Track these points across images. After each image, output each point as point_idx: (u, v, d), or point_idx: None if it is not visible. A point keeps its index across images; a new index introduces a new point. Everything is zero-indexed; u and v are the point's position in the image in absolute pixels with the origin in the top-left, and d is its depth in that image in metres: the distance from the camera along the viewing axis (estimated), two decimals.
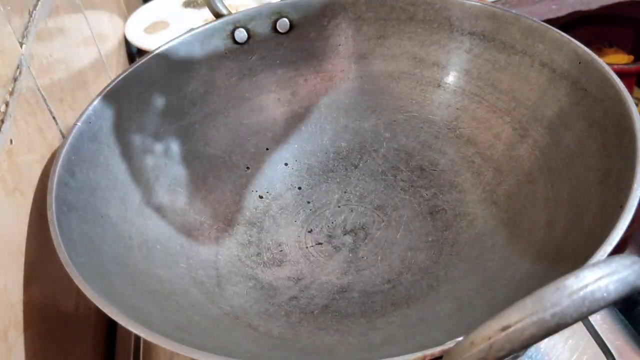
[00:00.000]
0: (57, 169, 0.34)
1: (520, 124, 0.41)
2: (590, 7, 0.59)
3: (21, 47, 0.37)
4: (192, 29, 0.46)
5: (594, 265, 0.17)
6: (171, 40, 0.45)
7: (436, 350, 0.23)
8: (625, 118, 0.32)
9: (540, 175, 0.38)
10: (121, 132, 0.41)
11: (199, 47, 0.46)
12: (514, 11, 0.42)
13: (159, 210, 0.41)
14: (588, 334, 0.39)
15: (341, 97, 0.50)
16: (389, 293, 0.39)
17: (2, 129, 0.32)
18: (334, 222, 0.44)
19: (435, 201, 0.44)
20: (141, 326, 0.26)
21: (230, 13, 0.47)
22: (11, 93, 0.34)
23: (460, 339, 0.20)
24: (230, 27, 0.47)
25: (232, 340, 0.34)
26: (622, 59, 0.64)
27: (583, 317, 0.17)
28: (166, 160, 0.43)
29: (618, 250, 0.25)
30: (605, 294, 0.17)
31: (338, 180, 0.48)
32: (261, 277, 0.41)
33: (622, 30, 0.64)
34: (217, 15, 0.47)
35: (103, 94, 0.40)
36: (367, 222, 0.44)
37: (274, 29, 0.48)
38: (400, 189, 0.46)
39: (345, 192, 0.47)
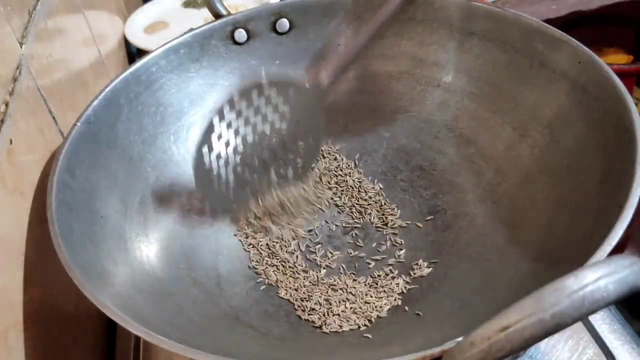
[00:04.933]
0: (57, 169, 0.34)
1: (520, 124, 0.41)
2: (590, 7, 0.59)
3: (21, 47, 0.37)
4: (192, 29, 0.46)
5: (593, 265, 0.17)
6: (171, 41, 0.45)
7: (436, 350, 0.23)
8: (625, 118, 0.32)
9: (540, 175, 0.38)
10: (121, 132, 0.41)
11: (199, 48, 0.46)
12: (513, 11, 0.42)
13: (159, 210, 0.41)
14: (588, 334, 0.39)
15: (341, 97, 0.50)
16: None
17: (2, 129, 0.32)
18: (334, 222, 0.44)
19: (435, 201, 0.44)
20: (141, 326, 0.26)
21: (229, 13, 0.47)
22: (11, 93, 0.34)
23: (460, 339, 0.20)
24: (230, 28, 0.47)
25: (232, 340, 0.34)
26: (622, 59, 0.63)
27: (583, 317, 0.17)
28: (166, 161, 0.43)
29: (618, 250, 0.25)
30: (604, 294, 0.17)
31: None
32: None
33: (622, 30, 0.64)
34: (217, 15, 0.47)
35: (103, 94, 0.40)
36: (367, 222, 0.44)
37: (274, 29, 0.48)
38: (400, 189, 0.46)
39: None
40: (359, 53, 0.44)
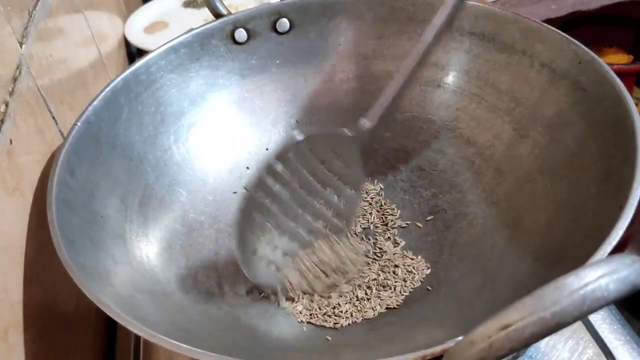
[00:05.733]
0: (57, 169, 0.34)
1: (520, 124, 0.41)
2: (590, 7, 0.59)
3: (21, 47, 0.37)
4: (192, 29, 0.46)
5: (594, 264, 0.17)
6: (171, 40, 0.45)
7: (436, 349, 0.23)
8: (625, 118, 0.32)
9: (540, 175, 0.38)
10: (121, 132, 0.41)
11: (199, 47, 0.46)
12: (513, 11, 0.42)
13: (159, 210, 0.41)
14: (588, 334, 0.39)
15: (341, 97, 0.50)
16: None
17: (2, 129, 0.32)
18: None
19: (435, 201, 0.44)
20: (141, 326, 0.26)
21: (230, 13, 0.47)
22: (11, 93, 0.34)
23: (460, 338, 0.20)
24: (230, 27, 0.47)
25: (232, 340, 0.34)
26: (622, 59, 0.64)
27: (583, 316, 0.17)
28: (166, 160, 0.43)
29: (618, 250, 0.25)
30: (605, 293, 0.17)
31: None
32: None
33: (622, 30, 0.64)
34: (217, 15, 0.47)
35: (103, 94, 0.40)
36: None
37: (274, 29, 0.48)
38: (400, 189, 0.46)
39: None
40: (402, 96, 0.41)
